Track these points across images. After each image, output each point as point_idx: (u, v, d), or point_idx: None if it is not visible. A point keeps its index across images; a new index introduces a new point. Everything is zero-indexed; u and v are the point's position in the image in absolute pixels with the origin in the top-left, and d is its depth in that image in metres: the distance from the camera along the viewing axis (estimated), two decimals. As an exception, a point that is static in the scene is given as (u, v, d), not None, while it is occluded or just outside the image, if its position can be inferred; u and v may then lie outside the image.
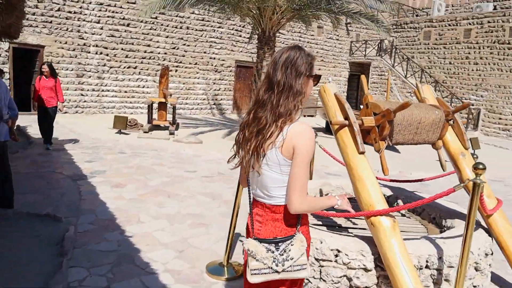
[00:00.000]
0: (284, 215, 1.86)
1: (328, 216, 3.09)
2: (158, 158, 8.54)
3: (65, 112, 14.47)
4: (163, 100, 12.26)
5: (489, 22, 19.36)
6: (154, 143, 10.34)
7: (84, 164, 7.43)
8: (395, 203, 4.42)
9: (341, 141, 3.03)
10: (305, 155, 1.75)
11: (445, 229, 3.72)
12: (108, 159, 8.02)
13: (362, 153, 2.94)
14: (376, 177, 4.70)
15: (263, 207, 1.90)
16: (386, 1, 10.74)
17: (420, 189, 6.72)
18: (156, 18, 16.11)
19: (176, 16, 16.66)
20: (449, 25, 20.86)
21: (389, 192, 4.55)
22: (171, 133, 11.67)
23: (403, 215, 4.13)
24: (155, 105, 13.71)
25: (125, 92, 15.95)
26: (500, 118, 18.82)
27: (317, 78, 1.96)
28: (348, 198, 4.30)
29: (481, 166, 2.50)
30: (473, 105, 19.38)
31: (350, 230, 3.57)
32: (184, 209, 5.40)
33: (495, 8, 20.95)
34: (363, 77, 3.33)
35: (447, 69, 20.81)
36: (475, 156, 3.86)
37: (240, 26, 18.49)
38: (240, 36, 18.67)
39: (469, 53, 19.98)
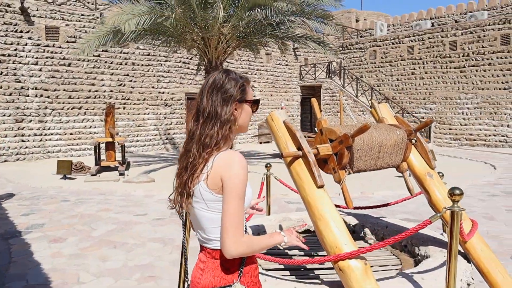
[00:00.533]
0: (224, 261, 1.59)
1: (288, 264, 2.67)
2: (105, 203, 7.87)
3: (5, 161, 13.47)
4: (110, 139, 11.60)
5: (429, 38, 20.07)
6: (102, 186, 9.63)
7: (19, 218, 6.66)
8: (362, 232, 4.06)
9: (295, 175, 2.63)
10: (235, 187, 1.50)
11: (419, 258, 3.37)
12: (48, 209, 7.28)
13: (321, 186, 2.55)
14: (338, 206, 4.34)
15: (205, 252, 1.64)
16: (331, 23, 10.74)
17: (383, 211, 6.42)
18: (99, 56, 15.53)
19: (120, 52, 16.14)
20: (393, 43, 21.48)
21: (353, 221, 4.18)
22: (121, 174, 11.00)
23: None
24: (104, 146, 12.99)
25: (71, 134, 15.11)
26: (450, 129, 19.30)
27: (255, 103, 1.71)
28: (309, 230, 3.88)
29: (457, 192, 2.17)
30: (423, 118, 19.80)
31: (317, 272, 3.15)
32: (132, 261, 4.81)
33: (432, 25, 21.82)
34: (313, 100, 2.99)
35: (395, 86, 21.29)
36: (440, 174, 3.58)
37: (187, 58, 18.18)
38: (188, 68, 18.34)
39: (414, 69, 20.56)
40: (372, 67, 22.35)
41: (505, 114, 17.83)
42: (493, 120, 18.15)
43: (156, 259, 4.89)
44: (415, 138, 3.19)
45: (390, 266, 3.26)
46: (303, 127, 22.89)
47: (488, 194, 8.54)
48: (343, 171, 2.76)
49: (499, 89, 17.95)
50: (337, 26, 11.01)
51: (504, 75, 17.80)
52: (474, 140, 18.64)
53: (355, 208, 3.99)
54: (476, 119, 18.63)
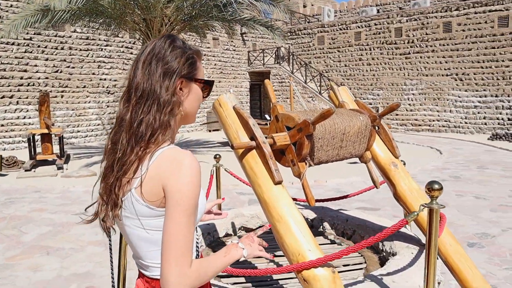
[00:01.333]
0: None
1: (241, 274, 2.30)
2: (39, 202, 7.17)
3: None
4: (45, 131, 10.71)
5: (375, 24, 20.28)
6: (37, 183, 8.85)
7: None
8: (320, 227, 3.79)
9: (249, 170, 2.27)
10: (183, 200, 1.09)
11: (384, 254, 3.13)
12: (-29, 212, 6.51)
13: (279, 183, 2.20)
14: (294, 199, 4.04)
15: (143, 280, 1.26)
16: (279, 5, 10.40)
17: (341, 203, 6.21)
18: (30, 39, 14.34)
19: (55, 36, 14.99)
20: (340, 29, 21.54)
21: (312, 214, 3.90)
22: (59, 168, 10.20)
23: (332, 241, 3.49)
24: (39, 138, 12.02)
25: (2, 125, 13.92)
26: (396, 114, 19.69)
27: (207, 85, 1.31)
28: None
29: (436, 186, 1.89)
30: (371, 103, 20.07)
31: (276, 277, 2.82)
32: (67, 269, 4.28)
33: (378, 12, 22.09)
34: (267, 82, 2.62)
35: (344, 72, 21.43)
36: (403, 162, 3.36)
37: (130, 42, 17.26)
38: (132, 53, 17.45)
39: (361, 55, 20.75)
40: (321, 53, 22.36)
41: (447, 100, 18.39)
42: (437, 105, 18.68)
43: (96, 265, 4.39)
44: (378, 125, 2.92)
45: (353, 266, 2.99)
46: (253, 114, 22.58)
47: (438, 179, 8.61)
48: (303, 164, 2.42)
49: (442, 75, 18.47)
50: (286, 9, 10.69)
51: (446, 62, 18.32)
52: (419, 125, 19.14)
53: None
54: (421, 105, 19.10)
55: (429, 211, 1.90)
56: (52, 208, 6.75)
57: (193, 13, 10.14)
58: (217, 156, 4.38)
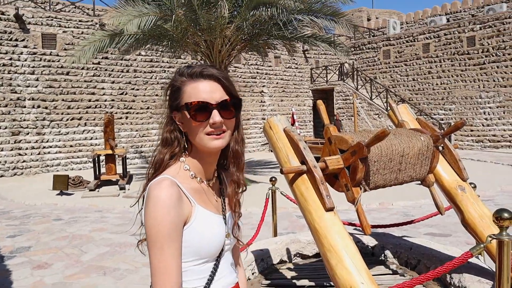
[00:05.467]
0: None
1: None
2: (100, 221, 7.50)
3: (1, 176, 13.22)
4: (109, 151, 11.27)
5: (445, 34, 19.54)
6: (99, 202, 9.29)
7: (5, 240, 6.32)
8: (382, 255, 3.62)
9: (299, 195, 2.21)
10: (148, 232, 1.19)
11: (452, 288, 2.91)
12: (38, 230, 6.93)
13: (331, 209, 2.12)
14: (354, 224, 3.89)
15: None
16: (341, 20, 10.31)
17: (407, 228, 5.90)
18: (98, 63, 15.28)
19: (121, 59, 15.86)
20: (407, 41, 20.98)
21: (372, 241, 3.74)
22: (121, 188, 10.66)
23: (395, 272, 3.31)
24: (103, 158, 12.65)
25: (71, 146, 14.84)
26: (471, 130, 18.68)
27: (188, 109, 1.22)
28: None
29: (506, 215, 1.72)
30: (442, 119, 19.20)
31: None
32: (122, 291, 4.40)
33: (448, 21, 21.27)
34: (319, 102, 2.56)
35: (412, 86, 20.76)
36: (472, 185, 3.14)
37: (192, 63, 17.85)
38: (193, 73, 18.01)
39: (431, 68, 20.02)
40: (386, 68, 21.85)
41: (531, 113, 17.17)
42: (518, 119, 17.50)
43: None
44: (442, 145, 2.75)
45: (418, 300, 2.81)
46: (317, 134, 22.32)
47: (520, 201, 7.99)
48: (358, 189, 2.33)
49: (524, 86, 17.32)
50: (348, 24, 10.56)
51: (528, 72, 17.18)
52: (498, 141, 17.99)
53: (374, 227, 3.55)
54: (499, 119, 17.98)
55: (498, 243, 1.74)
56: (112, 228, 7.02)
57: (253, 33, 10.31)
58: (273, 179, 4.35)
